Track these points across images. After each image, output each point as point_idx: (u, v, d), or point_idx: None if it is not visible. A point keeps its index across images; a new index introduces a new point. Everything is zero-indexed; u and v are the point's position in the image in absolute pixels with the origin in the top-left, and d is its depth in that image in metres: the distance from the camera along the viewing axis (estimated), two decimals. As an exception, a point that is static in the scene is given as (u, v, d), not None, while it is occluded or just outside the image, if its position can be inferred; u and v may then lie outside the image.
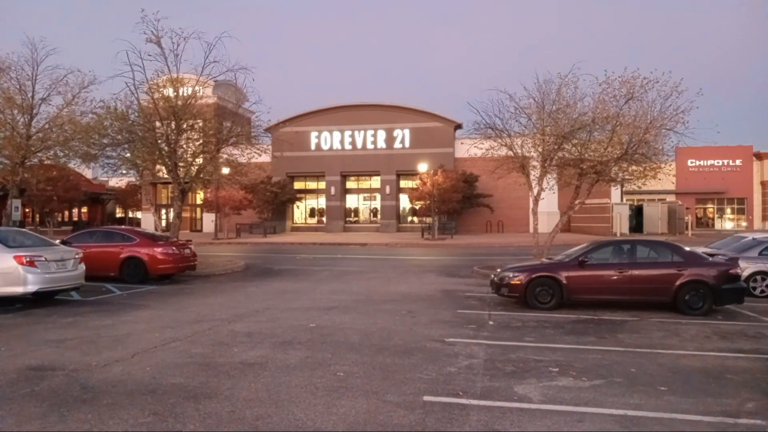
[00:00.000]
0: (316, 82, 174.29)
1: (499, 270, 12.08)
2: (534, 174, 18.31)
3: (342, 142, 45.98)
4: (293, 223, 48.36)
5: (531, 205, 18.40)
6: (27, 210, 40.15)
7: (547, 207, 34.39)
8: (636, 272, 10.90)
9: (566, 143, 16.85)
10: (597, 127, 16.56)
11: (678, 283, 10.61)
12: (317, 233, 44.04)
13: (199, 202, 45.15)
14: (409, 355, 7.35)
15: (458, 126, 43.79)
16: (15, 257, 10.51)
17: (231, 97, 35.67)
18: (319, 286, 14.84)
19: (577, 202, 18.07)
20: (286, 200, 45.21)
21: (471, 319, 9.95)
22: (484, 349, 7.66)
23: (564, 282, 10.96)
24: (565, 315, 10.43)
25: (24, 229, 14.20)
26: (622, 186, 32.02)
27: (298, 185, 48.10)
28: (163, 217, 45.11)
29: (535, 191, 18.03)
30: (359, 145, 45.74)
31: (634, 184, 18.43)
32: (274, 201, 43.10)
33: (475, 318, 10.11)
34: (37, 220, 43.52)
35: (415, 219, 44.56)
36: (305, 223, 48.67)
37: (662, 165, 17.47)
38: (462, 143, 42.04)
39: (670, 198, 45.24)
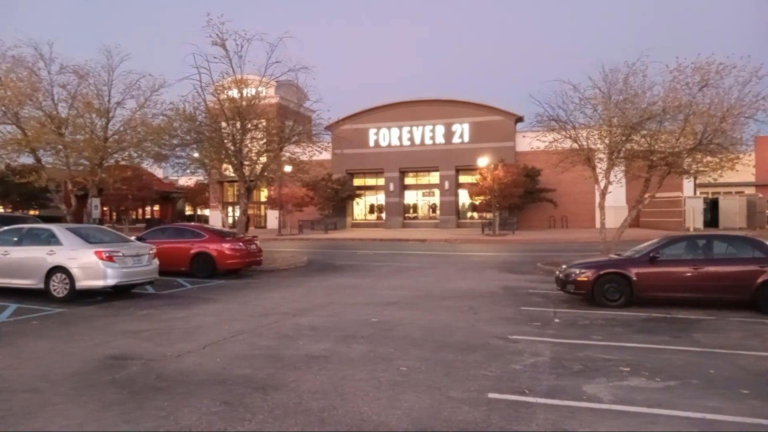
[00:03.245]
0: (375, 79, 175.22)
1: (564, 266, 11.74)
2: (600, 167, 17.64)
3: (400, 138, 46.02)
4: (353, 219, 48.88)
5: (597, 200, 17.74)
6: (105, 208, 42.58)
7: (614, 201, 33.06)
8: (712, 269, 10.31)
9: (635, 134, 16.12)
10: (668, 116, 15.74)
11: (760, 280, 9.94)
12: (377, 229, 44.33)
13: (263, 199, 46.46)
14: (472, 351, 7.27)
15: (519, 119, 42.87)
16: (95, 252, 11.19)
17: (292, 96, 36.46)
18: (380, 281, 14.93)
19: (646, 195, 17.29)
20: (346, 197, 45.78)
21: (535, 317, 9.73)
22: (550, 347, 7.47)
23: (634, 279, 10.52)
24: (635, 313, 10.02)
25: (103, 226, 15.08)
26: (695, 178, 30.36)
27: (357, 182, 48.58)
28: (230, 214, 46.71)
29: (602, 185, 17.38)
30: (418, 140, 45.64)
31: (709, 176, 17.37)
32: (334, 198, 43.76)
33: (540, 315, 9.88)
34: (114, 217, 46.15)
35: (475, 215, 43.98)
36: (365, 220, 49.09)
37: (740, 155, 16.40)
38: (524, 137, 41.18)
39: (749, 190, 42.48)
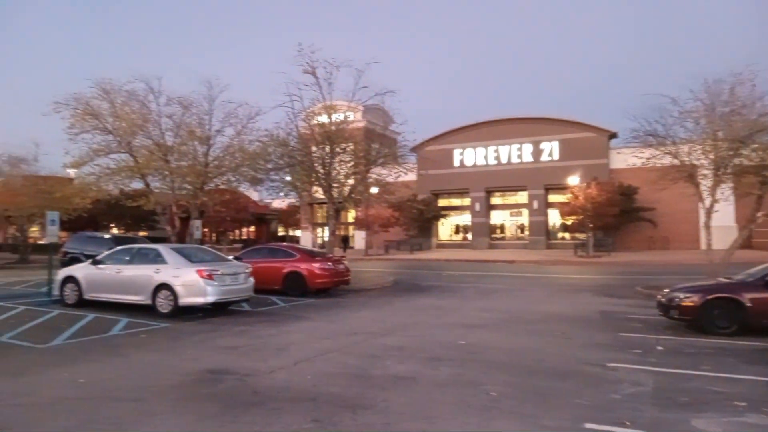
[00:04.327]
0: (459, 99, 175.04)
1: (667, 290, 10.96)
2: (705, 184, 16.40)
3: (486, 157, 45.50)
4: (438, 239, 48.67)
5: (702, 219, 16.47)
6: (205, 230, 45.30)
7: (721, 220, 30.47)
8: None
9: (744, 148, 14.89)
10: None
11: None
12: (462, 250, 43.81)
13: (350, 220, 47.50)
14: (565, 378, 6.94)
15: (613, 135, 41.05)
16: (197, 271, 11.91)
17: (379, 119, 37.23)
18: (466, 303, 14.70)
19: (759, 214, 15.84)
20: (431, 217, 45.78)
21: (634, 343, 9.13)
22: (652, 377, 6.97)
23: (747, 304, 9.61)
24: (749, 342, 9.13)
25: (203, 246, 16.04)
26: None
27: (442, 202, 48.46)
28: (319, 234, 48.10)
29: (707, 203, 16.15)
30: (504, 159, 44.90)
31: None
32: (419, 218, 43.91)
33: (640, 342, 9.26)
34: (214, 238, 48.99)
35: (567, 235, 42.35)
36: (450, 240, 48.73)
37: None
38: (618, 153, 39.31)
39: None
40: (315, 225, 48.75)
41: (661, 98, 16.04)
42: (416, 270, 27.49)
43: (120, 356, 8.33)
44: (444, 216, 48.16)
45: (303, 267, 16.16)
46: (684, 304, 10.10)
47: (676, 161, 16.31)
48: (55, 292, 13.95)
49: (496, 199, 47.51)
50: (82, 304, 13.15)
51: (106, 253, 14.02)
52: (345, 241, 36.89)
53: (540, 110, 54.29)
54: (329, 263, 16.59)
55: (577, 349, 8.70)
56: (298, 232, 54.90)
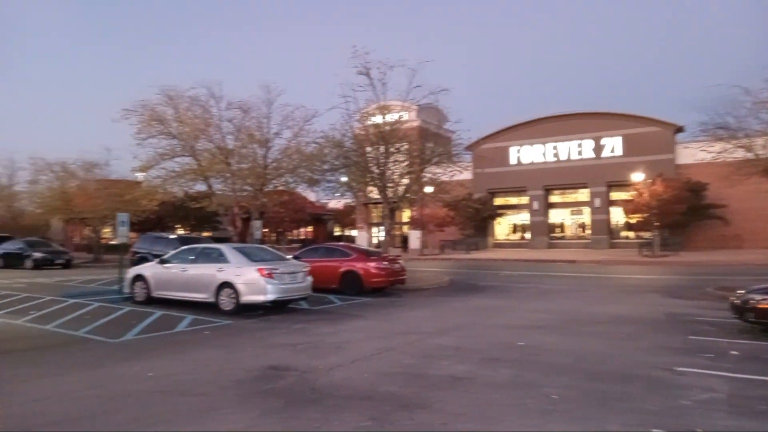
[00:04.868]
0: (516, 96, 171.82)
1: (742, 291, 10.34)
2: (783, 178, 15.42)
3: (544, 154, 44.42)
4: (495, 239, 47.92)
5: (780, 216, 15.49)
6: (265, 230, 46.49)
7: (802, 217, 28.61)
8: None
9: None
10: None
11: None
12: (520, 250, 42.96)
13: (405, 219, 47.53)
14: (629, 382, 6.68)
15: (679, 129, 39.20)
16: (258, 270, 12.25)
17: (433, 118, 37.04)
18: (524, 303, 14.41)
19: None
20: (488, 216, 45.16)
21: (706, 347, 8.68)
22: (727, 383, 6.60)
23: (833, 308, 8.94)
24: (837, 349, 8.49)
25: (264, 246, 16.47)
26: None
27: (499, 201, 47.69)
28: (374, 234, 48.41)
29: (786, 198, 15.16)
30: (563, 156, 43.69)
31: None
32: (475, 217, 43.39)
33: (711, 346, 8.79)
34: (273, 238, 50.21)
35: (631, 234, 40.72)
36: (507, 240, 47.87)
37: None
38: (685, 148, 37.56)
39: None
40: (370, 225, 49.08)
41: (731, 89, 15.20)
42: (472, 270, 27.20)
43: (186, 352, 8.68)
44: (501, 215, 47.37)
45: (359, 266, 16.31)
46: (761, 306, 9.50)
47: (750, 155, 15.43)
48: (126, 289, 14.70)
49: (555, 197, 46.29)
50: (150, 301, 13.80)
51: (172, 252, 14.64)
52: (405, 242, 36.72)
53: (601, 105, 52.55)
54: (385, 262, 16.67)
55: (643, 353, 8.36)
56: (354, 232, 55.45)
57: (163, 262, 14.06)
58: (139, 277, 14.27)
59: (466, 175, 36.64)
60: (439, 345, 9.01)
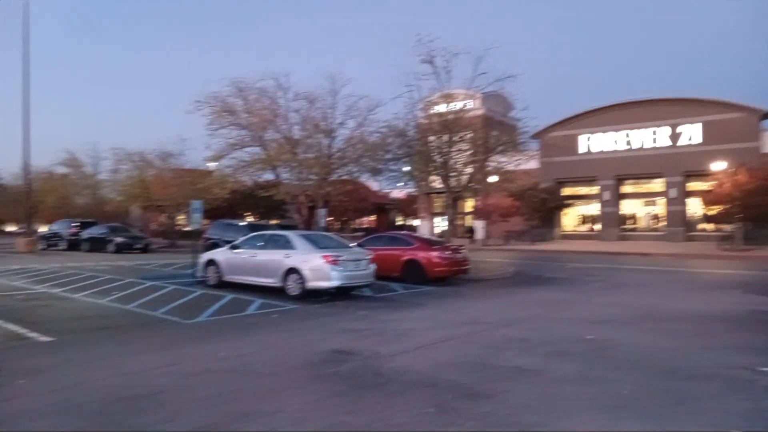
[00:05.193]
0: (585, 83, 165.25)
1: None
2: None
3: (616, 142, 42.57)
4: (562, 230, 46.48)
5: None
6: (329, 218, 47.39)
7: None
8: None
9: None
10: None
11: None
12: (589, 241, 41.53)
13: (468, 209, 47.04)
14: (706, 381, 6.34)
15: (765, 115, 36.50)
16: (323, 257, 12.52)
17: (498, 106, 36.39)
18: (593, 297, 13.94)
19: None
20: (555, 207, 43.90)
21: (793, 348, 8.10)
22: (816, 386, 6.14)
23: None
24: None
25: (328, 234, 16.78)
26: None
27: (567, 191, 46.20)
28: (437, 224, 48.23)
29: None
30: (636, 145, 41.71)
31: None
32: (541, 208, 42.30)
33: (800, 346, 8.19)
34: (336, 227, 51.09)
35: (709, 226, 38.44)
36: (575, 231, 46.33)
37: None
38: (774, 134, 34.94)
39: None
40: (433, 214, 48.92)
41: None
42: (538, 261, 26.57)
43: (255, 334, 9.02)
44: (568, 205, 45.87)
45: (421, 255, 16.31)
46: None
47: None
48: (199, 273, 15.42)
49: (627, 188, 44.29)
50: (222, 285, 14.41)
51: (242, 239, 15.20)
52: (470, 232, 36.07)
53: (678, 91, 49.71)
54: (448, 252, 16.58)
55: (722, 351, 7.90)
56: (416, 222, 55.51)
57: (233, 247, 14.63)
58: (211, 262, 14.92)
59: (533, 164, 35.78)
60: (503, 336, 8.89)
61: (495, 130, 22.66)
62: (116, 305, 11.81)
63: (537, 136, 35.37)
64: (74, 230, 33.93)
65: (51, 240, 35.19)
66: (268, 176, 25.68)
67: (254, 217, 47.14)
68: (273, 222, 41.78)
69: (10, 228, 63.95)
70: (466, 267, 17.36)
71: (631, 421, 5.01)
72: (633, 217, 44.46)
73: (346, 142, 23.51)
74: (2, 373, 6.49)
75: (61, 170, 48.56)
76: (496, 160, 21.74)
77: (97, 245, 31.38)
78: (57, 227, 36.08)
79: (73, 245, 32.97)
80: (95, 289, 14.11)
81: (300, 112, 23.11)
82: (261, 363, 7.09)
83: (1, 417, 5.03)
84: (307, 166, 23.01)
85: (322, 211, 23.66)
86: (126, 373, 6.56)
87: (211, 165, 27.49)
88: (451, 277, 16.93)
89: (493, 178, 24.44)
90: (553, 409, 5.36)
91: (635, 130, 41.62)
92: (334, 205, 38.41)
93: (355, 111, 22.97)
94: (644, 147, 41.38)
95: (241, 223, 26.68)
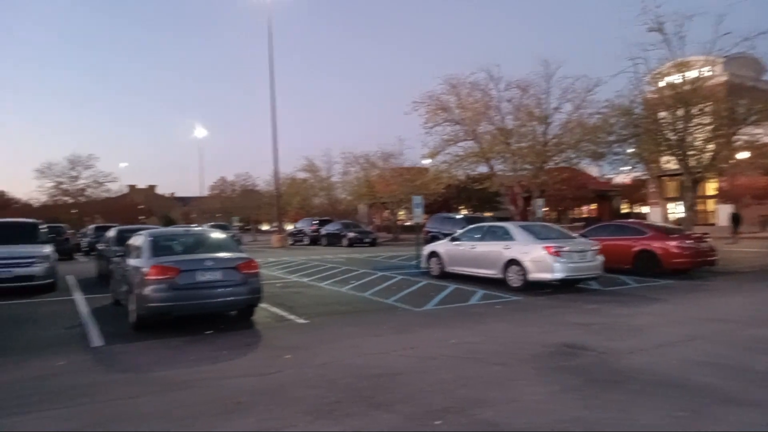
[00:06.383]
0: None
1: None
2: None
3: None
4: (843, 212, 37.73)
5: None
6: (545, 208, 45.78)
7: None
8: None
9: None
10: None
11: None
12: None
13: (709, 192, 41.13)
14: None
15: None
16: (544, 248, 12.20)
17: (746, 69, 30.96)
18: None
19: None
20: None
21: None
22: None
23: None
24: None
25: (549, 224, 16.28)
26: None
27: None
28: (670, 210, 43.17)
29: None
30: None
31: None
32: (812, 186, 34.89)
33: None
34: (553, 216, 49.12)
35: None
36: None
37: None
38: None
39: None
40: (665, 200, 43.82)
41: None
42: (809, 250, 22.03)
43: (481, 324, 9.22)
44: None
45: (656, 245, 14.82)
46: None
47: None
48: (422, 264, 16.29)
49: None
50: (443, 275, 15.01)
51: (461, 231, 15.61)
52: (736, 220, 29.88)
53: None
54: (689, 241, 14.79)
55: None
56: (645, 209, 50.41)
57: (453, 240, 15.12)
58: (433, 254, 15.65)
59: (797, 135, 29.45)
60: (756, 336, 7.66)
61: (744, 98, 19.31)
62: (354, 293, 13.13)
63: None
64: (314, 227, 38.65)
65: (296, 236, 40.69)
66: (482, 169, 25.90)
67: (468, 210, 47.93)
68: (486, 214, 42.03)
69: (265, 227, 75.66)
70: (713, 258, 15.27)
71: None
72: None
73: (563, 128, 22.48)
74: (274, 347, 7.78)
75: (302, 175, 55.48)
76: (747, 133, 18.58)
77: (333, 240, 35.28)
78: (301, 225, 41.62)
79: (314, 240, 37.64)
80: (336, 279, 15.87)
81: (512, 102, 22.84)
82: (489, 352, 7.23)
83: (276, 386, 6.01)
84: (521, 156, 22.64)
85: (538, 201, 23.02)
86: (368, 354, 7.28)
87: (426, 162, 28.74)
88: (693, 269, 15.07)
89: (743, 155, 20.94)
90: None
91: None
92: (551, 194, 36.99)
93: (571, 93, 21.87)
94: None
95: (458, 216, 27.41)
